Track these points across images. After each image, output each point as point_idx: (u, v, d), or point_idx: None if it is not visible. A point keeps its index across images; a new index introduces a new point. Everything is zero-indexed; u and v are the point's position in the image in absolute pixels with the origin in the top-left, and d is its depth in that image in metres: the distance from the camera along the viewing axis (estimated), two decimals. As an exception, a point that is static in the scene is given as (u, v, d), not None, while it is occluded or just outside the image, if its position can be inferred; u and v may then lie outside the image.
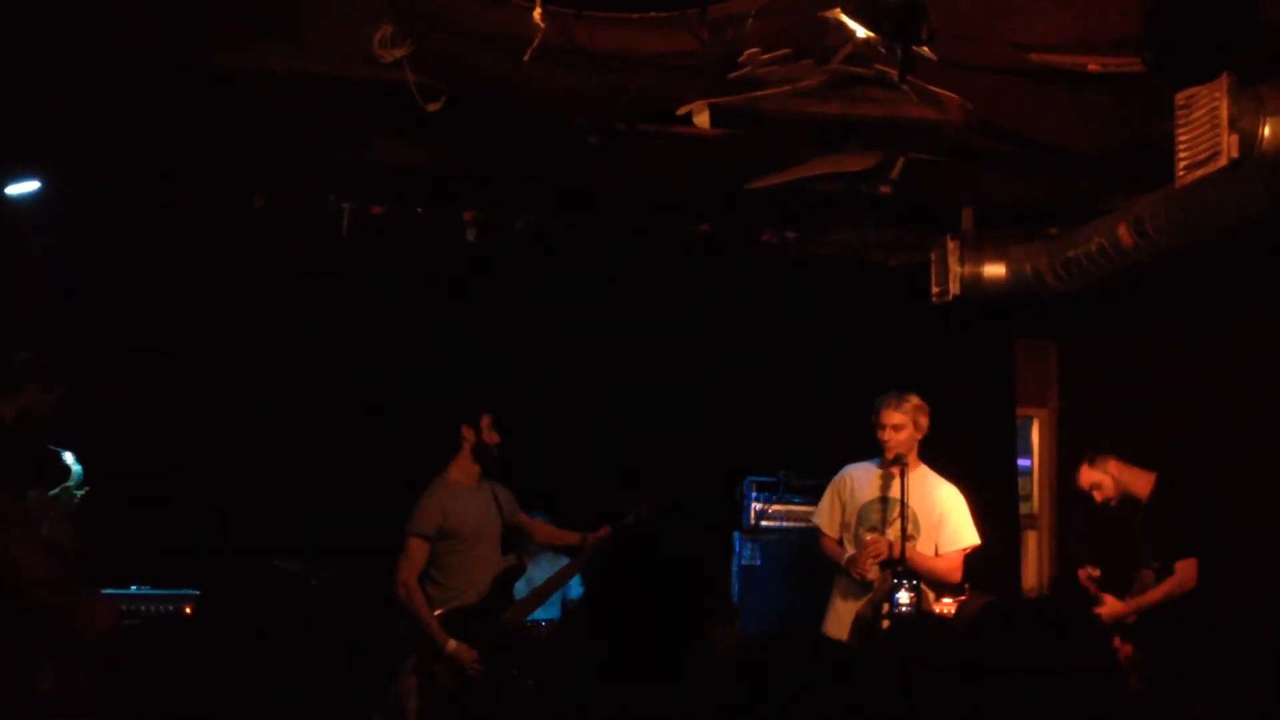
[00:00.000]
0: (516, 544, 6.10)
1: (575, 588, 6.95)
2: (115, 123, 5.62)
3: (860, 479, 6.01)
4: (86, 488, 5.65)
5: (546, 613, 6.70)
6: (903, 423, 5.80)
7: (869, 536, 5.85)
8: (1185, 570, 5.68)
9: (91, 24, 4.65)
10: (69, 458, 5.70)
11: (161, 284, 6.60)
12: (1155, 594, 5.75)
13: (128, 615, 5.99)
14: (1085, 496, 6.10)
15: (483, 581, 5.78)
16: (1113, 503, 5.98)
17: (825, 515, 6.07)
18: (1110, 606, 5.84)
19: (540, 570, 6.40)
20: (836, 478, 6.11)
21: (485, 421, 5.82)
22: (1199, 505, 5.84)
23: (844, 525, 6.01)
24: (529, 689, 6.15)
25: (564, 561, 6.21)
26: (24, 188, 6.23)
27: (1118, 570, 6.05)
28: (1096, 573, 6.01)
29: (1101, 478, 5.98)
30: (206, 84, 5.16)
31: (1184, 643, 5.57)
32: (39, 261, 6.29)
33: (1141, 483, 5.92)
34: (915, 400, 5.86)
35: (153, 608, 6.04)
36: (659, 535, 6.13)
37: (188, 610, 6.09)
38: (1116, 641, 5.64)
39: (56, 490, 5.62)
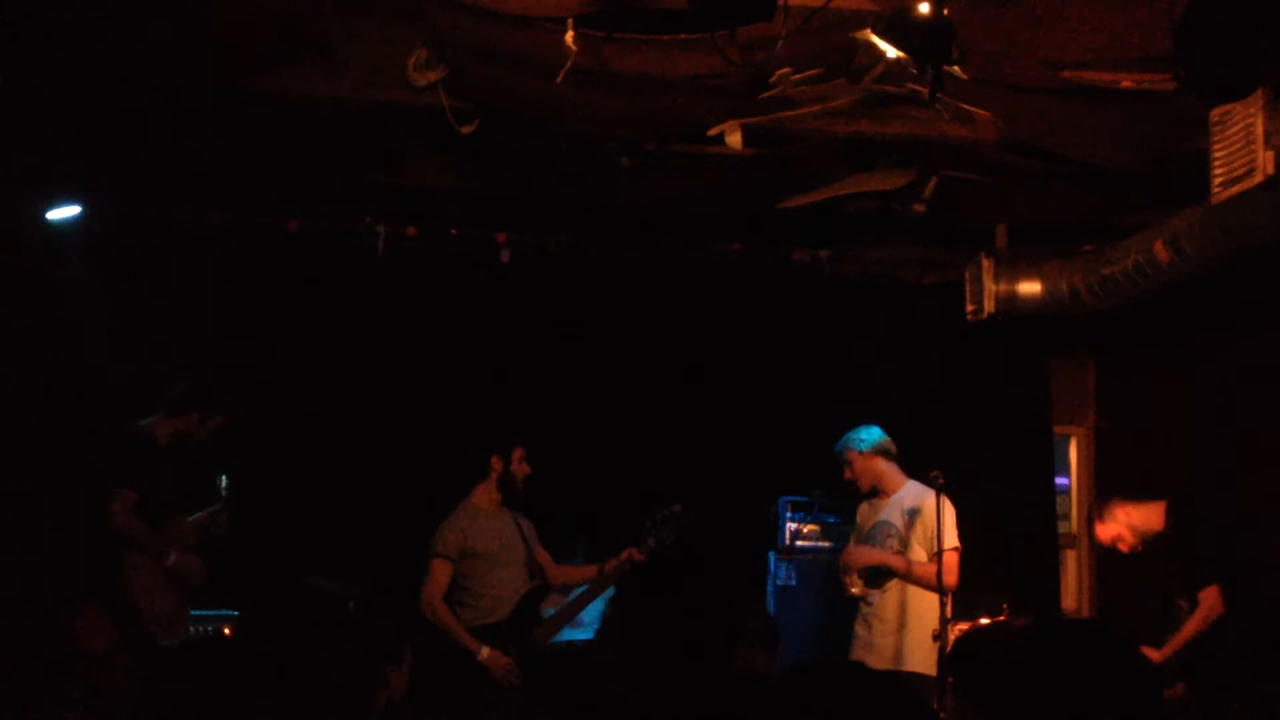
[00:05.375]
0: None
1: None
2: (153, 147, 5.69)
3: (864, 511, 6.34)
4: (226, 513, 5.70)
5: (578, 633, 6.70)
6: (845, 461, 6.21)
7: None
8: (1209, 598, 5.62)
9: (129, 51, 4.71)
10: (223, 481, 5.75)
11: (198, 307, 6.67)
12: (1186, 632, 5.67)
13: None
14: (1111, 550, 6.05)
15: (512, 600, 5.81)
16: (1139, 549, 5.92)
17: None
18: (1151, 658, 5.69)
19: (568, 590, 6.40)
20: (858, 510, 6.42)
21: (517, 454, 5.90)
22: (1212, 530, 5.77)
23: None
24: (563, 706, 6.12)
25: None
26: (65, 212, 6.32)
27: (1154, 597, 5.99)
28: None
29: (1119, 530, 5.92)
30: (242, 108, 5.22)
31: (1219, 662, 5.52)
32: (79, 284, 6.36)
33: (1154, 516, 5.86)
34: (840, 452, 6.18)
35: (192, 629, 6.08)
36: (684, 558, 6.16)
37: (226, 631, 6.12)
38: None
39: (199, 514, 5.69)
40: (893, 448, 6.21)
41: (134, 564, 5.41)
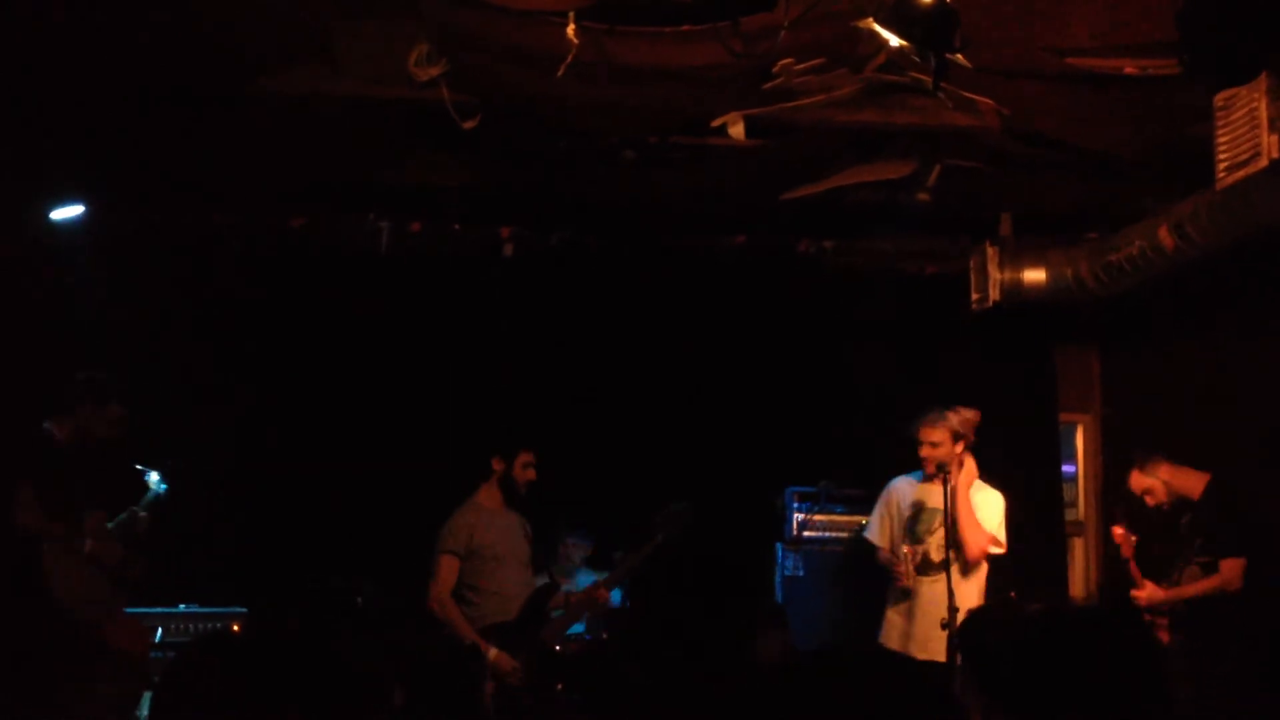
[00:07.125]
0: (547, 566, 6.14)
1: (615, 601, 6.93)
2: (156, 147, 5.69)
3: (904, 491, 6.13)
4: (152, 510, 5.68)
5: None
6: (940, 439, 5.95)
7: (904, 549, 5.99)
8: (1230, 570, 5.67)
9: (131, 51, 4.71)
10: (153, 478, 5.72)
11: (202, 306, 6.67)
12: (1196, 587, 5.75)
13: (176, 634, 6.05)
14: (1135, 500, 6.10)
15: (518, 599, 5.80)
16: (1165, 506, 6.00)
17: (875, 529, 6.19)
18: (1149, 592, 5.88)
19: (576, 587, 6.39)
20: (884, 491, 6.21)
21: (522, 458, 5.87)
22: (1251, 508, 5.80)
23: (893, 537, 6.12)
24: (572, 704, 6.13)
25: (600, 577, 6.22)
26: (69, 212, 6.32)
27: (1161, 569, 6.01)
28: (1134, 538, 5.98)
29: (1153, 483, 5.99)
30: (245, 107, 5.21)
31: (1232, 648, 5.53)
32: (83, 285, 6.37)
33: (1194, 482, 5.92)
34: (954, 417, 5.96)
35: (200, 626, 6.10)
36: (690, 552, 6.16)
37: (235, 628, 6.14)
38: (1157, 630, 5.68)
39: (123, 516, 5.66)
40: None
41: (51, 555, 5.37)
